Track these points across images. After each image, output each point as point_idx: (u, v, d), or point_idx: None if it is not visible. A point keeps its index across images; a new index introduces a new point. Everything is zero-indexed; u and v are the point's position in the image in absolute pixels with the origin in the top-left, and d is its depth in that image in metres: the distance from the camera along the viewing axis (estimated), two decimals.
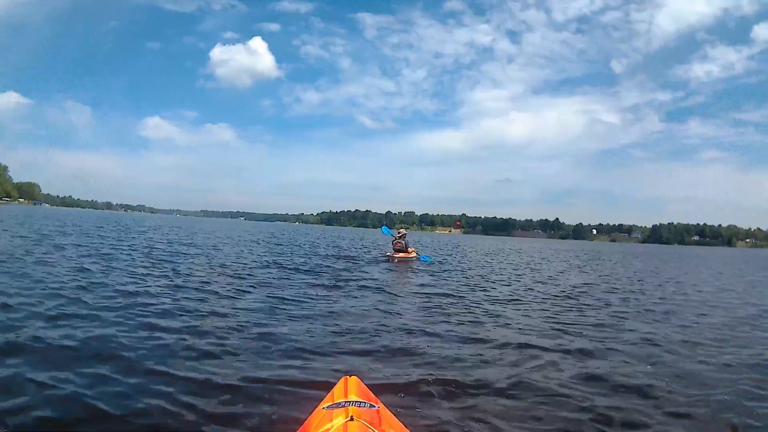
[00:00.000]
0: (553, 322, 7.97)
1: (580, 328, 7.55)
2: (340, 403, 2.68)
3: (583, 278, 16.99)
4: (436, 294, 10.48)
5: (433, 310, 8.62)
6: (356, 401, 2.71)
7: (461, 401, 4.28)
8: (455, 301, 9.74)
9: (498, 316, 8.40)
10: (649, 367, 5.55)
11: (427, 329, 6.95)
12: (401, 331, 6.78)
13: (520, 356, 5.79)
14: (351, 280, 11.88)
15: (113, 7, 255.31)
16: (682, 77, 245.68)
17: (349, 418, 2.41)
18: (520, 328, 7.42)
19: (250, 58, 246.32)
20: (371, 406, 2.70)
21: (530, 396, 4.44)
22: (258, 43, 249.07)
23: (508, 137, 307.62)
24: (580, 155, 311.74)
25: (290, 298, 8.78)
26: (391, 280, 13.06)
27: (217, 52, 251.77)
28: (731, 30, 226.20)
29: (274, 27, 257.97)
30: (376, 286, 11.13)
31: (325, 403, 2.79)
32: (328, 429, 2.39)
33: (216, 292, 8.83)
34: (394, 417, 2.84)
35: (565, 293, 11.92)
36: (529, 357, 5.75)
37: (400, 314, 8.07)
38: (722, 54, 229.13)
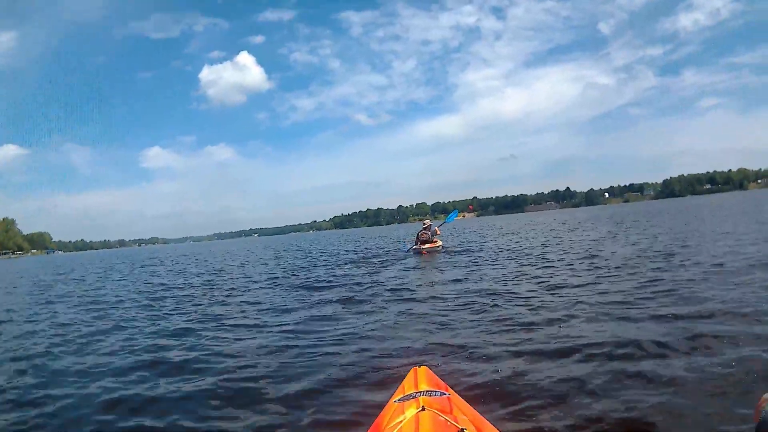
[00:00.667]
0: (614, 300, 7.07)
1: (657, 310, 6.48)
2: (411, 395, 2.67)
3: (623, 245, 15.90)
4: (477, 286, 9.55)
5: (480, 302, 7.85)
6: (427, 391, 2.70)
7: (532, 386, 4.15)
8: (500, 290, 8.82)
9: (551, 301, 7.55)
10: None
11: (480, 320, 6.70)
12: (453, 326, 6.54)
13: (592, 345, 5.07)
14: (379, 284, 10.92)
15: (99, 43, 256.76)
16: (670, 29, 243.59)
17: (420, 409, 2.40)
18: (579, 316, 6.47)
19: (239, 73, 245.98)
20: (442, 394, 2.69)
21: (616, 391, 3.92)
22: (245, 58, 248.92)
23: (506, 114, 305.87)
24: (579, 122, 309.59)
25: (319, 317, 7.80)
26: (422, 278, 12.10)
27: (206, 73, 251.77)
28: None
29: (259, 39, 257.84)
30: (408, 287, 10.26)
31: (397, 396, 2.79)
32: (401, 421, 2.37)
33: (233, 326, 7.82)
34: (466, 403, 2.81)
35: (614, 267, 10.76)
36: (598, 345, 5.06)
37: (445, 314, 7.31)
38: (707, 1, 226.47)
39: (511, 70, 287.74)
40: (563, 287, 8.63)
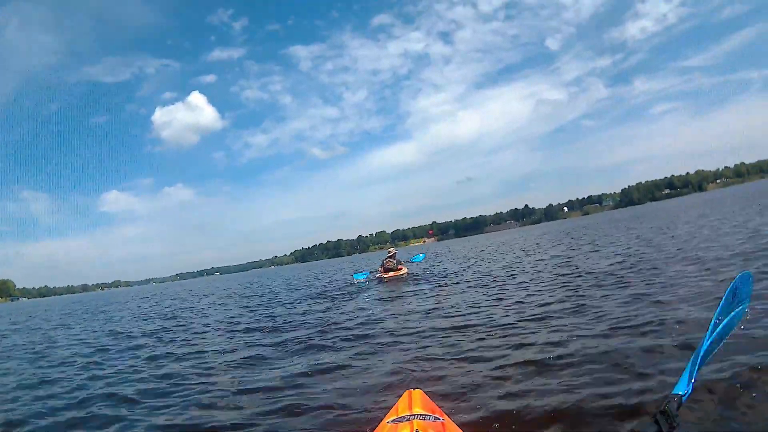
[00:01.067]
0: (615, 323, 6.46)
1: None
2: (404, 417, 2.66)
3: (596, 260, 15.40)
4: (450, 315, 9.03)
5: (457, 333, 7.35)
6: (421, 414, 2.68)
7: (525, 411, 4.07)
8: (477, 319, 8.22)
9: (534, 328, 6.99)
10: None
11: (459, 352, 6.30)
12: (434, 358, 6.21)
13: (585, 368, 4.90)
14: (345, 319, 10.22)
15: (51, 89, 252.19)
16: (619, 39, 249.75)
17: None
18: (574, 334, 6.12)
19: (191, 114, 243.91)
20: (436, 418, 2.66)
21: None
22: (197, 98, 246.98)
23: (460, 137, 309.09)
24: (533, 138, 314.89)
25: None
26: (390, 309, 11.34)
27: (159, 115, 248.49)
28: None
29: (210, 78, 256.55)
30: (376, 320, 9.73)
31: (390, 417, 2.77)
32: None
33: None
34: (459, 429, 2.72)
35: (593, 284, 10.37)
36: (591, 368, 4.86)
37: (422, 346, 6.96)
38: (653, 7, 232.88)
39: (462, 93, 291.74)
40: (544, 312, 8.05)
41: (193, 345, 9.92)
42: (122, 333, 14.05)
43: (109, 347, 11.16)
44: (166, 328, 13.93)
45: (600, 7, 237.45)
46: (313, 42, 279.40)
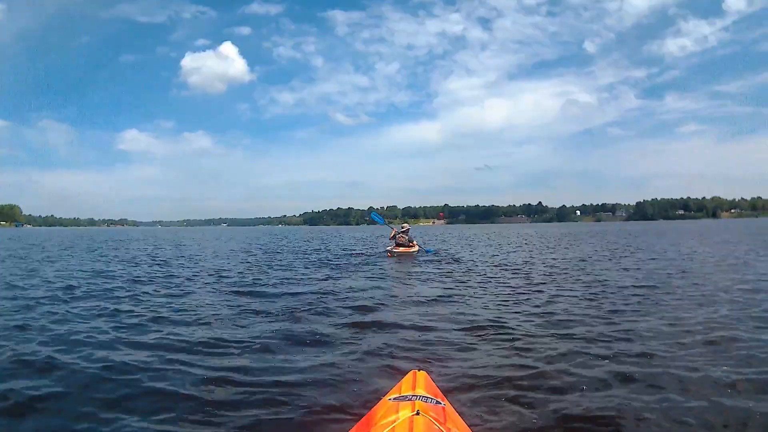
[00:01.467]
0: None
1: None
2: (407, 396, 2.66)
3: (621, 268, 14.26)
4: (463, 304, 8.19)
5: (473, 325, 6.76)
6: (423, 396, 2.67)
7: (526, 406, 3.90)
8: (492, 313, 7.43)
9: (562, 339, 6.03)
10: None
11: (475, 345, 5.89)
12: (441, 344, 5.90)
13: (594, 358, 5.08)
14: (345, 294, 9.25)
15: (85, 23, 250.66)
16: (656, 53, 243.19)
17: (415, 412, 2.38)
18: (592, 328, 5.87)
19: (221, 63, 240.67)
20: (437, 402, 2.66)
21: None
22: (228, 48, 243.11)
23: (485, 124, 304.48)
24: (558, 137, 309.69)
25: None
26: (398, 289, 10.31)
27: (188, 60, 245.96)
28: (703, 2, 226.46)
29: (245, 31, 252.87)
30: (379, 297, 8.88)
31: (392, 395, 2.77)
32: (394, 421, 2.36)
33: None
34: (459, 416, 2.75)
35: (623, 293, 9.24)
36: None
37: (430, 332, 6.45)
38: (695, 27, 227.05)
39: (494, 81, 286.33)
40: (569, 324, 6.86)
41: (172, 302, 8.80)
42: (105, 275, 13.27)
43: (80, 290, 10.20)
44: (152, 275, 13.09)
45: (643, 18, 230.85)
46: (353, 8, 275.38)
